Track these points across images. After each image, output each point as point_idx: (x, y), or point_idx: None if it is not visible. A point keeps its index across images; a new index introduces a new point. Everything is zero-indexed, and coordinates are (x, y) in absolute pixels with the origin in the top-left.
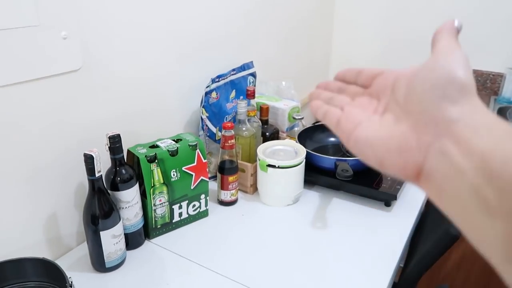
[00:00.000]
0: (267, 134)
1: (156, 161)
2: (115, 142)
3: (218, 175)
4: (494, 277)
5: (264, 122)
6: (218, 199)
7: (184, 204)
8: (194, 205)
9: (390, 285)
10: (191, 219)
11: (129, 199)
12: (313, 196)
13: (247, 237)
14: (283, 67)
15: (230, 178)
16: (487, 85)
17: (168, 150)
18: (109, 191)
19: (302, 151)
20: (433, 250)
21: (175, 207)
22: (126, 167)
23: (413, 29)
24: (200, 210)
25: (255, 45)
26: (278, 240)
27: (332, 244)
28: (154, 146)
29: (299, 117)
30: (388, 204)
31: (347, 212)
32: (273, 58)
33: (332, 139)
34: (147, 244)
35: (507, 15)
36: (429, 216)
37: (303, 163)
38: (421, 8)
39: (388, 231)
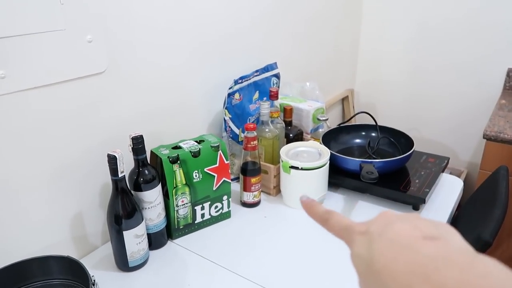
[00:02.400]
0: (290, 135)
1: (179, 162)
2: (138, 143)
3: (241, 176)
4: None
5: (288, 124)
6: (240, 201)
7: (206, 205)
8: (216, 206)
9: None
10: (213, 220)
11: (151, 199)
12: (338, 199)
13: (269, 239)
14: (307, 68)
15: (253, 180)
16: None
17: (190, 151)
18: (132, 191)
19: (326, 152)
20: None
21: (197, 208)
22: (149, 167)
23: (442, 21)
24: (223, 212)
25: (279, 46)
26: (300, 243)
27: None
28: (176, 147)
29: (324, 118)
30: (416, 208)
31: (372, 215)
32: (297, 59)
33: (358, 140)
34: (170, 245)
35: None
36: (460, 220)
37: (327, 165)
38: (452, 3)
39: None
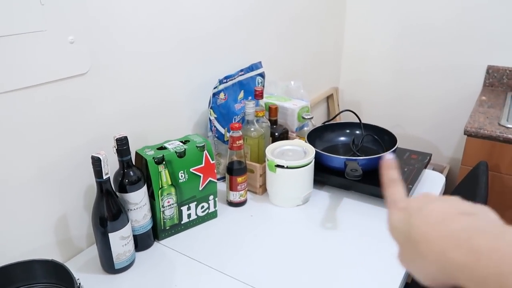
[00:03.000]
0: (276, 134)
1: (164, 162)
2: (122, 145)
3: (227, 176)
4: None
5: (273, 122)
6: (227, 200)
7: (192, 205)
8: (202, 206)
9: (402, 286)
10: (200, 220)
11: (137, 200)
12: (323, 196)
13: (256, 238)
14: (292, 67)
15: (239, 179)
16: (503, 81)
17: (175, 152)
18: (117, 193)
19: (311, 151)
20: None
21: (184, 208)
22: (134, 169)
23: (425, 21)
24: (209, 211)
25: (264, 45)
26: (287, 241)
27: (342, 245)
28: (161, 148)
29: (309, 117)
30: None
31: (358, 212)
32: (282, 58)
33: (342, 138)
34: (156, 246)
35: None
36: None
37: (312, 163)
38: (435, 3)
39: None
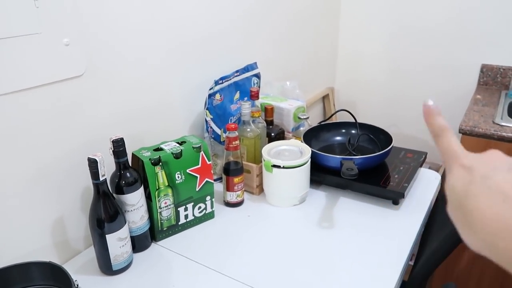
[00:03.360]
0: (272, 134)
1: (161, 164)
2: (118, 146)
3: (223, 176)
4: (508, 276)
5: (269, 123)
6: (224, 201)
7: (189, 206)
8: (199, 207)
9: (398, 284)
10: (197, 221)
11: (134, 202)
12: (320, 196)
13: (253, 238)
14: (287, 68)
15: (235, 179)
16: (497, 79)
17: (172, 153)
18: (114, 194)
19: (307, 150)
20: (440, 248)
21: (181, 209)
22: (131, 170)
23: (420, 21)
24: (206, 212)
25: (259, 46)
26: (284, 241)
27: (339, 243)
28: (158, 149)
29: (304, 117)
30: (396, 202)
31: (354, 211)
32: (277, 58)
33: (338, 138)
34: (154, 247)
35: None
36: (438, 214)
37: (309, 163)
38: (429, 3)
39: (396, 230)
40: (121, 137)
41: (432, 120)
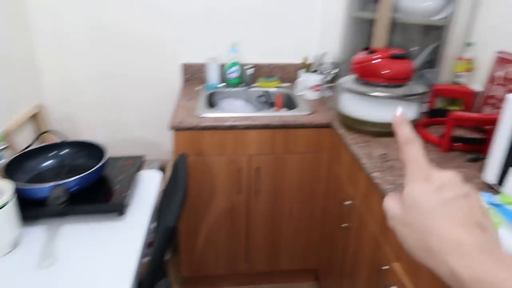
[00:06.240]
0: None
1: None
2: None
3: None
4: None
5: None
6: None
7: None
8: None
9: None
10: None
11: None
12: (38, 231)
13: None
14: None
15: None
16: (197, 75)
17: None
18: None
19: (7, 188)
20: (157, 246)
21: None
22: None
23: (120, 26)
24: None
25: None
26: None
27: (68, 275)
28: None
29: (3, 147)
30: (121, 213)
31: (80, 236)
32: None
33: (48, 162)
34: None
35: (201, 11)
36: (159, 212)
37: (12, 202)
38: (122, 6)
39: (125, 239)
40: None
41: (401, 129)
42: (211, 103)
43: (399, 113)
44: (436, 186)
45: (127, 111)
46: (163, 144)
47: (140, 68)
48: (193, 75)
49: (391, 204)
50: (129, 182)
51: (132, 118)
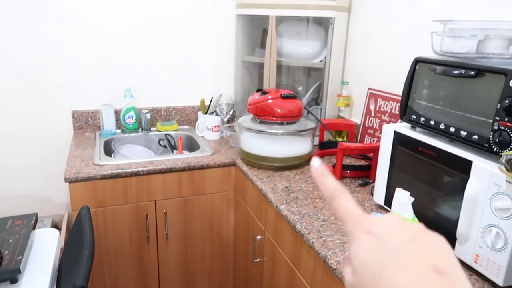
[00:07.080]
0: None
1: None
2: None
3: None
4: None
5: None
6: None
7: None
8: None
9: None
10: None
11: None
12: None
13: None
14: None
15: None
16: (89, 122)
17: None
18: None
19: None
20: None
21: None
22: None
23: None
24: None
25: None
26: None
27: None
28: None
29: None
30: (14, 281)
31: None
32: None
33: None
34: None
35: (92, 56)
36: (62, 270)
37: None
38: None
39: None
40: None
41: (324, 181)
42: (109, 150)
43: (317, 164)
44: (379, 237)
45: (13, 165)
46: (55, 198)
47: (21, 116)
48: (85, 122)
49: (345, 270)
50: (22, 245)
51: (18, 173)
